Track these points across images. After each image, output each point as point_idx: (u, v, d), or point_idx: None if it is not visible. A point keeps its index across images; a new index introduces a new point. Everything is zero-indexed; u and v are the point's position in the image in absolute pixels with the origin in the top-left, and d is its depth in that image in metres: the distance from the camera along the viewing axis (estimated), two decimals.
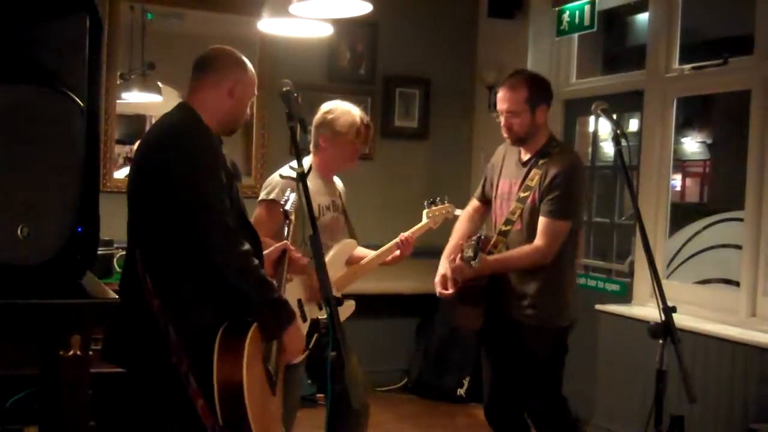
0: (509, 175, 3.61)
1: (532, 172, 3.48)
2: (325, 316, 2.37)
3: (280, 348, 2.77)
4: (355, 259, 3.67)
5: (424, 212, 3.79)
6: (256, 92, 2.87)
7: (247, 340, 2.55)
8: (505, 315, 3.52)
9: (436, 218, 3.78)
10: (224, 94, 2.74)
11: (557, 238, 3.40)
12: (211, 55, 2.81)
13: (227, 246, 2.54)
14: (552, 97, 3.59)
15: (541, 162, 3.47)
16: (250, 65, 2.85)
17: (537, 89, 3.50)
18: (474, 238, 3.42)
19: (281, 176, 3.38)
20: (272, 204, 3.37)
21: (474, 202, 3.83)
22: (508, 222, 3.51)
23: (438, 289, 3.57)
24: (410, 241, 3.67)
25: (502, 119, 3.51)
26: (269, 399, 2.72)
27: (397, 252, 3.68)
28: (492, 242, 3.53)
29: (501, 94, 3.51)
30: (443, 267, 3.59)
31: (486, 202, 3.77)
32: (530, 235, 3.45)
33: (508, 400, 3.67)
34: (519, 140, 3.53)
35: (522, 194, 3.48)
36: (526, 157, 3.55)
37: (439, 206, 3.80)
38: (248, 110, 2.86)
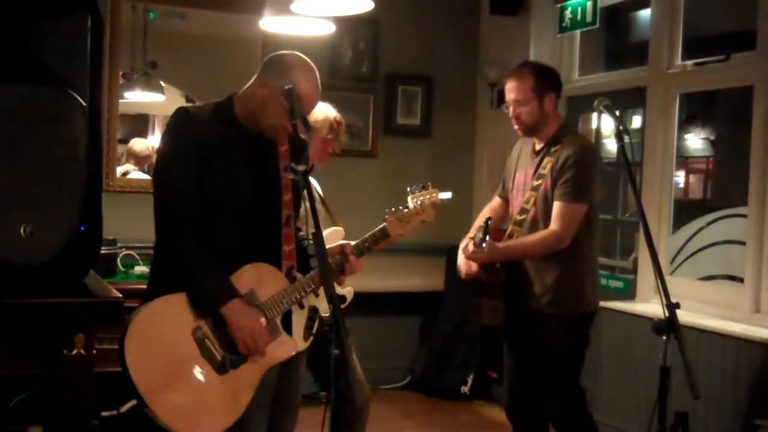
0: (524, 166, 3.61)
1: (545, 160, 3.47)
2: (327, 311, 2.37)
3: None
4: None
5: (409, 198, 3.76)
6: (288, 105, 2.60)
7: (142, 313, 2.61)
8: (525, 308, 3.51)
9: (421, 203, 3.75)
10: (251, 92, 2.78)
11: (572, 222, 3.39)
12: (272, 54, 2.85)
13: (162, 224, 2.67)
14: (560, 86, 3.58)
15: (553, 149, 3.47)
16: (299, 78, 2.69)
17: (543, 78, 3.50)
18: (482, 222, 3.43)
19: None
20: None
21: (495, 199, 3.82)
22: (522, 211, 3.50)
23: (463, 272, 3.56)
24: None
25: (510, 110, 3.51)
26: (206, 378, 2.67)
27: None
28: (507, 232, 3.52)
29: (508, 85, 3.52)
30: (460, 257, 3.60)
31: (507, 199, 3.75)
32: (545, 223, 3.45)
33: (529, 397, 3.64)
34: (529, 130, 3.52)
35: (535, 183, 3.48)
36: (539, 146, 3.55)
37: (423, 191, 3.77)
38: (280, 121, 2.69)
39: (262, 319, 2.71)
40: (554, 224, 3.40)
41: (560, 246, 3.40)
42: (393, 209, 3.20)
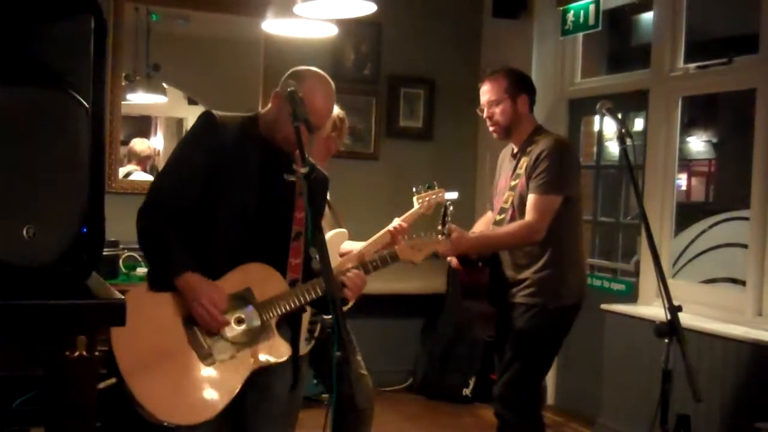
0: (505, 171, 3.68)
1: (522, 161, 3.53)
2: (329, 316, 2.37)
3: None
4: (346, 254, 3.64)
5: (414, 198, 3.77)
6: (294, 115, 2.51)
7: (133, 291, 2.68)
8: (508, 304, 3.54)
9: (427, 203, 3.75)
10: (268, 108, 2.87)
11: (546, 213, 3.41)
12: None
13: (146, 202, 2.79)
14: (534, 90, 3.64)
15: (528, 149, 3.53)
16: (308, 89, 2.70)
17: (516, 80, 3.58)
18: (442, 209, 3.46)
19: None
20: None
21: (488, 213, 3.86)
22: (501, 211, 3.56)
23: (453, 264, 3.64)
24: (403, 228, 3.65)
25: (485, 111, 3.58)
26: (190, 366, 2.68)
27: (388, 239, 3.65)
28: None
29: (483, 88, 3.59)
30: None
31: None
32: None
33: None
34: (504, 131, 3.57)
35: (513, 182, 3.54)
36: (516, 150, 3.62)
37: (429, 191, 3.77)
38: (289, 130, 2.60)
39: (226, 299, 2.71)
40: (528, 216, 3.43)
41: (534, 237, 3.41)
42: (413, 235, 3.13)
